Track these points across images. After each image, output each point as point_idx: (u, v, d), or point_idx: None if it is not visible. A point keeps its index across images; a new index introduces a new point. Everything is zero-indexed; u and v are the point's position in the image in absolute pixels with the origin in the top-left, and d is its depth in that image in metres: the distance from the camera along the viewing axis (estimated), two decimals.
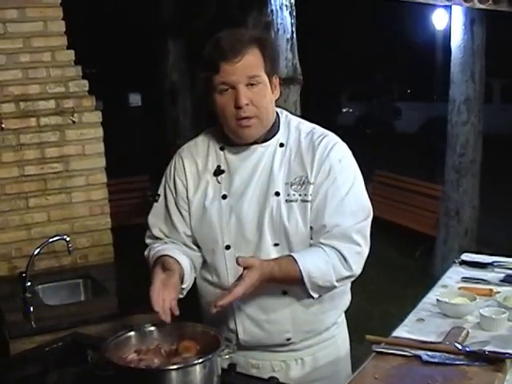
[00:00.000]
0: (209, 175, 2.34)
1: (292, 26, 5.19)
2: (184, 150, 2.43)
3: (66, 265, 4.35)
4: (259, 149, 2.30)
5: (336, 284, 2.21)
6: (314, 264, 2.16)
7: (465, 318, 2.40)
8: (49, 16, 4.30)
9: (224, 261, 2.30)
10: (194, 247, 2.38)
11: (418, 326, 2.37)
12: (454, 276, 2.89)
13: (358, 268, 2.23)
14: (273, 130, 2.33)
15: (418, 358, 2.04)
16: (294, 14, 5.20)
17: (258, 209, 2.25)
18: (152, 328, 2.10)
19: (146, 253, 2.42)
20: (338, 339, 2.50)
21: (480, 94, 7.38)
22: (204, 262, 2.39)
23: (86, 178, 4.38)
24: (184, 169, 2.36)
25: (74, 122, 4.31)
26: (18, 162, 4.20)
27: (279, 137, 2.33)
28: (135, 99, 12.61)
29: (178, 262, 2.22)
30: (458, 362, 2.01)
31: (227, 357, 1.99)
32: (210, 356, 1.88)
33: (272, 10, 5.11)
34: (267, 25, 5.11)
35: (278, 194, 2.24)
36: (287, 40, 5.17)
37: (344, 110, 21.74)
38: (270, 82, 2.26)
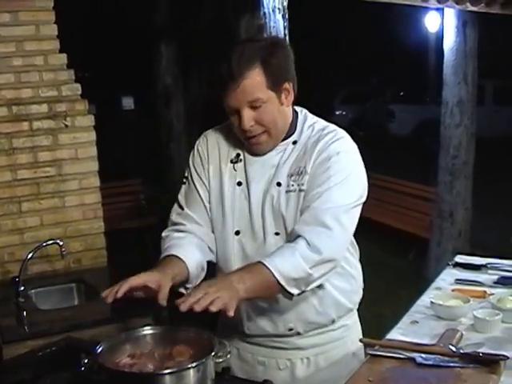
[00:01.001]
0: (228, 161, 2.41)
1: (285, 29, 5.19)
2: (209, 133, 2.51)
3: (59, 269, 4.33)
4: (277, 147, 2.37)
5: (310, 271, 2.12)
6: (281, 259, 2.11)
7: (459, 320, 2.40)
8: (41, 20, 4.28)
9: (232, 247, 2.36)
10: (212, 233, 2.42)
11: (412, 329, 2.37)
12: (447, 278, 2.89)
13: (327, 250, 2.15)
14: (290, 131, 2.38)
15: (412, 360, 2.04)
16: (287, 16, 5.19)
17: (262, 198, 2.32)
18: (145, 332, 2.10)
19: (163, 234, 2.46)
20: (348, 341, 2.50)
21: (473, 96, 7.41)
22: None
23: (79, 182, 4.37)
24: (207, 151, 2.45)
25: (66, 125, 4.30)
26: (11, 166, 4.17)
27: (295, 136, 2.38)
28: (128, 103, 12.58)
29: (183, 261, 2.24)
30: (452, 364, 2.00)
31: (221, 360, 1.99)
32: (204, 360, 1.87)
33: (265, 13, 5.10)
34: (260, 28, 5.11)
35: (279, 184, 2.31)
36: None
37: (337, 113, 21.76)
38: (279, 92, 2.29)
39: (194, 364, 1.86)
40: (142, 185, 9.46)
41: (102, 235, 4.50)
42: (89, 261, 4.44)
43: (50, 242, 3.82)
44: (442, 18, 7.65)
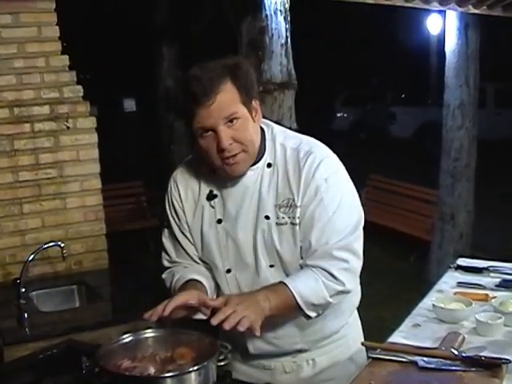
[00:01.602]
0: (203, 200, 2.33)
1: (286, 31, 5.20)
2: (178, 175, 2.41)
3: (61, 271, 4.33)
4: (248, 172, 2.26)
5: (330, 300, 2.20)
6: (304, 283, 2.16)
7: (461, 324, 2.39)
8: (43, 21, 4.29)
9: (227, 284, 2.34)
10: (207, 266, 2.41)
11: (413, 332, 2.37)
12: (449, 281, 2.88)
13: (348, 282, 2.21)
14: (260, 152, 2.27)
15: (415, 363, 2.03)
16: (289, 19, 5.20)
17: (252, 232, 2.26)
18: (147, 335, 2.09)
19: (164, 275, 2.45)
20: (350, 339, 2.49)
21: (474, 98, 7.40)
22: None
23: (81, 184, 4.37)
24: (180, 195, 2.37)
25: (68, 127, 4.30)
26: (12, 168, 4.18)
27: (266, 157, 2.28)
28: (130, 104, 12.58)
29: (203, 284, 2.28)
30: (454, 368, 2.00)
31: (223, 364, 1.98)
32: (206, 363, 1.87)
33: (266, 15, 5.11)
34: (261, 30, 5.11)
35: (268, 217, 2.24)
36: (281, 45, 5.17)
37: (338, 115, 21.76)
38: (250, 109, 2.20)
39: (195, 367, 1.85)
40: (144, 187, 9.45)
41: (104, 237, 4.50)
42: (90, 263, 4.43)
43: (51, 243, 3.81)
44: (444, 21, 7.65)
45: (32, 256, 3.75)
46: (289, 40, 5.18)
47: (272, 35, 5.11)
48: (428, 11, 8.65)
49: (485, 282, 2.81)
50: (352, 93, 22.09)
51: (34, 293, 3.99)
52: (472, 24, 7.21)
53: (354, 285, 2.26)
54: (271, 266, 2.27)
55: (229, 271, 2.31)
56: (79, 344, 2.53)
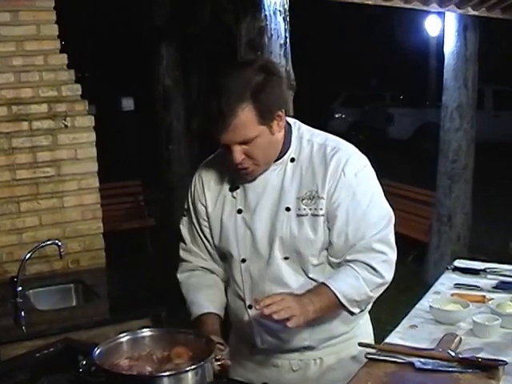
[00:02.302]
0: (225, 190, 2.41)
1: (285, 31, 5.18)
2: (203, 167, 2.51)
3: (58, 269, 4.32)
4: (271, 167, 2.33)
5: (371, 294, 2.28)
6: (345, 282, 2.23)
7: (458, 325, 2.40)
8: (42, 19, 4.28)
9: (240, 274, 2.38)
10: (220, 261, 2.49)
11: (410, 333, 2.37)
12: (446, 282, 2.89)
13: (388, 275, 2.30)
14: (284, 148, 2.33)
15: (411, 364, 2.04)
16: (288, 19, 5.19)
17: (270, 223, 2.31)
18: (144, 334, 2.09)
19: (179, 276, 2.52)
20: (360, 340, 2.44)
21: (473, 100, 7.40)
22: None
23: (78, 183, 4.36)
24: (203, 186, 2.45)
25: (66, 126, 4.29)
26: (10, 166, 4.17)
27: (290, 152, 2.34)
28: (128, 103, 12.55)
29: (219, 316, 2.38)
30: (450, 369, 2.00)
31: (219, 363, 1.98)
32: (202, 363, 1.87)
33: (266, 16, 5.10)
34: (260, 30, 5.10)
35: (288, 209, 2.29)
36: (280, 45, 5.16)
37: (337, 116, 21.77)
38: (271, 124, 2.23)
39: (192, 367, 1.85)
40: (142, 186, 9.45)
41: (101, 236, 4.49)
42: (87, 261, 4.43)
43: (49, 242, 3.81)
44: (443, 22, 7.66)
45: (29, 254, 3.74)
46: (288, 40, 5.17)
47: (271, 35, 5.10)
48: (427, 13, 8.65)
49: (482, 284, 2.81)
50: (351, 94, 22.10)
51: (30, 291, 3.98)
52: (471, 26, 7.22)
53: (391, 277, 2.32)
54: (286, 258, 2.30)
55: (244, 261, 2.36)
56: (76, 343, 2.53)
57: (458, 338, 2.23)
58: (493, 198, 10.79)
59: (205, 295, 2.43)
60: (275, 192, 2.32)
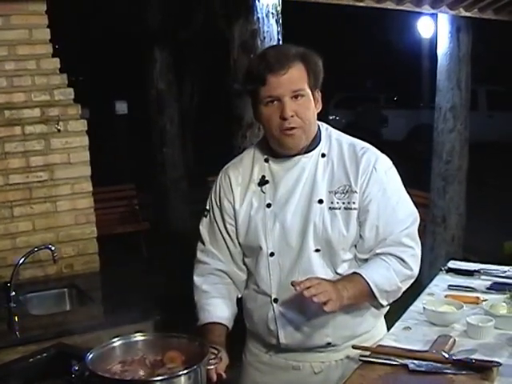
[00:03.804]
0: (254, 186, 2.44)
1: (278, 33, 5.19)
2: (230, 165, 2.54)
3: (51, 274, 4.31)
4: (302, 159, 2.39)
5: (401, 285, 2.32)
6: (377, 272, 2.28)
7: (451, 326, 2.40)
8: (34, 24, 4.27)
9: (267, 268, 2.39)
10: (239, 262, 2.50)
11: (404, 335, 2.37)
12: (440, 284, 2.90)
13: (416, 268, 2.36)
14: (315, 142, 2.41)
15: (405, 366, 2.04)
16: (281, 21, 5.19)
17: (302, 216, 2.34)
18: (137, 338, 2.08)
19: (195, 278, 2.52)
20: (377, 341, 2.46)
21: (466, 101, 7.41)
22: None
23: (72, 187, 4.35)
24: (230, 183, 2.47)
25: (59, 130, 4.28)
26: (3, 171, 4.15)
27: (321, 147, 2.42)
28: (122, 107, 12.50)
29: (226, 326, 2.40)
30: (444, 371, 2.00)
31: (212, 367, 1.98)
32: (195, 367, 1.86)
33: (258, 18, 5.10)
34: (253, 33, 5.10)
35: (321, 201, 2.33)
36: None
37: (331, 118, 21.77)
38: (313, 95, 2.35)
39: (185, 371, 1.85)
40: (136, 190, 9.43)
41: (95, 240, 4.48)
42: (81, 266, 4.41)
43: (42, 247, 3.80)
44: (436, 24, 7.66)
45: (23, 259, 3.73)
46: (281, 43, 5.17)
47: (264, 38, 5.10)
48: (420, 14, 8.63)
49: (476, 285, 2.82)
50: (344, 96, 22.10)
51: (24, 296, 3.96)
52: (463, 27, 7.22)
53: (418, 270, 2.38)
54: (317, 250, 2.33)
55: (272, 254, 2.37)
56: (69, 348, 2.52)
57: (451, 340, 2.23)
58: (487, 198, 10.80)
59: (216, 304, 2.44)
60: (307, 185, 2.36)
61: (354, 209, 2.32)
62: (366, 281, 2.24)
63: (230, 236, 2.47)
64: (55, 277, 4.31)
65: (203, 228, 2.54)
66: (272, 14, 5.12)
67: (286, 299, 2.35)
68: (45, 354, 2.44)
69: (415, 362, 2.05)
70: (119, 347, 2.05)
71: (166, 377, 1.86)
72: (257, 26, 5.08)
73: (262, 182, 2.42)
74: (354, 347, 2.24)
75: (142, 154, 11.07)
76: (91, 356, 1.95)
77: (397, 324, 2.48)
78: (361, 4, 5.90)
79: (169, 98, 9.95)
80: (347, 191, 2.33)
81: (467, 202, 7.66)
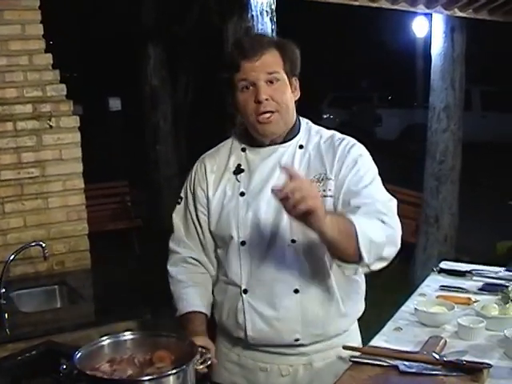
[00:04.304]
0: (229, 174, 2.42)
1: (272, 31, 5.17)
2: (207, 154, 2.53)
3: (42, 271, 4.28)
4: (279, 149, 2.38)
5: (385, 239, 2.15)
6: (363, 219, 2.12)
7: (443, 327, 2.39)
8: (27, 19, 4.24)
9: (238, 257, 2.35)
10: (210, 254, 2.47)
11: (395, 335, 2.36)
12: (432, 284, 2.89)
13: (396, 226, 2.24)
14: (293, 132, 2.40)
15: (396, 368, 2.03)
16: (275, 19, 5.18)
17: (276, 206, 2.25)
18: (126, 337, 2.06)
19: (169, 268, 2.51)
20: None
21: (460, 101, 7.42)
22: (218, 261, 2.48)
23: (63, 184, 4.32)
24: (205, 171, 2.46)
25: (51, 126, 4.25)
26: None
27: (299, 139, 2.40)
28: (115, 104, 12.47)
29: (205, 314, 2.40)
30: (435, 372, 1.99)
31: (201, 367, 1.96)
32: (184, 366, 1.85)
33: (252, 16, 5.08)
34: (247, 30, 5.09)
35: None
36: None
37: (325, 117, 21.77)
38: (290, 82, 2.34)
39: (174, 371, 1.83)
40: (128, 186, 9.41)
41: (86, 237, 4.45)
42: (72, 263, 4.39)
43: (33, 243, 3.79)
44: (430, 24, 7.66)
45: (13, 256, 3.72)
46: None
47: None
48: (414, 14, 8.64)
49: (467, 286, 2.81)
50: (338, 94, 22.13)
51: (14, 293, 3.94)
52: (458, 27, 7.23)
53: (399, 239, 2.25)
54: (293, 241, 2.28)
55: (243, 243, 2.33)
56: (58, 346, 2.51)
57: (442, 341, 2.22)
58: (480, 198, 10.81)
59: (193, 293, 2.42)
60: (282, 175, 2.24)
61: (330, 196, 2.28)
62: (351, 221, 2.08)
63: (201, 226, 2.44)
64: (46, 274, 4.28)
65: (176, 216, 2.52)
66: (266, 11, 5.11)
67: (255, 291, 2.31)
68: (34, 352, 2.42)
69: (406, 363, 2.04)
70: (108, 346, 2.03)
71: (154, 376, 1.84)
72: (251, 23, 5.07)
73: (238, 170, 2.40)
74: (344, 347, 2.23)
75: (135, 151, 11.07)
76: (80, 355, 1.94)
77: (388, 324, 2.48)
78: (355, 3, 5.89)
79: (163, 94, 9.94)
80: (322, 179, 2.29)
81: (460, 202, 7.67)
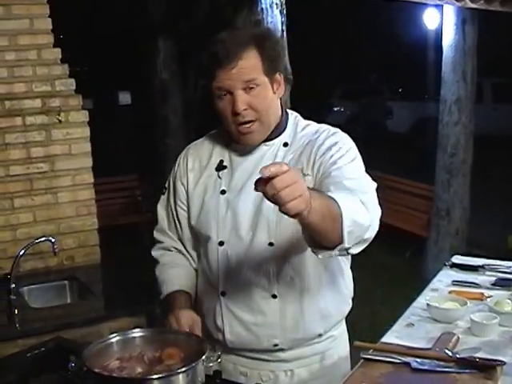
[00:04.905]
0: (211, 170, 2.34)
1: (282, 24, 5.14)
2: (192, 146, 2.46)
3: (52, 266, 4.29)
4: (263, 147, 2.28)
5: (369, 222, 1.99)
6: (345, 198, 1.92)
7: (455, 323, 2.36)
8: (35, 13, 4.23)
9: (216, 258, 2.28)
10: (189, 249, 2.43)
11: (407, 332, 2.33)
12: (444, 279, 2.85)
13: (374, 209, 2.08)
14: (278, 129, 2.29)
15: (407, 365, 2.00)
16: (285, 12, 5.15)
17: (255, 206, 2.21)
18: (135, 334, 2.04)
19: (153, 253, 2.51)
20: (334, 353, 2.41)
21: (471, 93, 7.37)
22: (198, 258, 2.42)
23: (73, 178, 4.32)
24: (186, 166, 2.38)
25: (60, 121, 4.25)
26: (3, 162, 4.13)
27: (284, 136, 2.30)
28: (125, 97, 12.49)
29: (189, 294, 2.34)
30: (447, 370, 1.96)
31: (211, 365, 1.94)
32: (194, 364, 1.83)
33: (262, 9, 5.05)
34: (257, 23, 5.06)
35: None
36: None
37: (335, 109, 21.72)
38: (272, 80, 2.21)
39: (183, 369, 1.81)
40: (138, 180, 9.41)
41: (96, 232, 4.45)
42: (82, 258, 4.39)
43: (43, 238, 3.78)
44: (442, 15, 7.61)
45: (23, 251, 3.71)
46: (285, 34, 5.13)
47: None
48: (425, 5, 8.59)
49: (480, 281, 2.78)
50: (349, 87, 22.05)
51: (24, 288, 3.95)
52: (469, 19, 7.18)
53: (377, 223, 2.08)
54: (270, 244, 2.20)
55: (221, 244, 2.26)
56: (67, 342, 2.50)
57: (455, 337, 2.19)
58: (491, 191, 10.76)
59: (178, 273, 2.38)
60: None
61: None
62: (335, 200, 1.87)
63: (180, 222, 2.40)
64: (56, 269, 4.29)
65: (160, 207, 2.49)
66: (276, 4, 5.08)
67: (233, 293, 2.26)
68: (42, 349, 2.41)
69: (418, 360, 2.01)
70: (117, 343, 2.01)
71: (164, 374, 1.82)
72: (260, 16, 5.03)
73: (220, 167, 2.32)
74: (356, 344, 2.19)
75: (144, 145, 11.06)
76: (88, 352, 1.92)
77: (400, 320, 2.44)
78: None
79: (172, 88, 9.91)
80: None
81: (472, 196, 7.64)
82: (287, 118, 2.33)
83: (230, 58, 2.11)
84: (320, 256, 1.97)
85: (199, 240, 2.36)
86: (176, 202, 2.40)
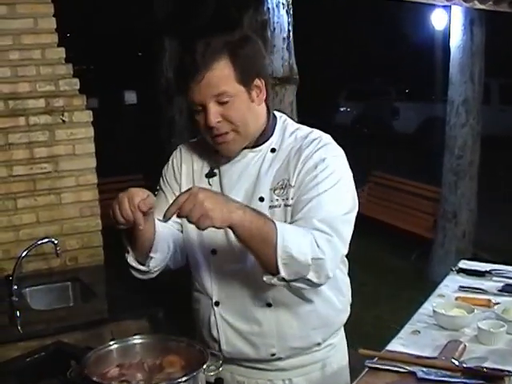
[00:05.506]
0: (202, 177, 2.27)
1: (289, 24, 5.11)
2: (185, 146, 2.38)
3: (55, 267, 4.26)
4: (249, 154, 2.21)
5: (310, 262, 1.93)
6: (292, 230, 1.96)
7: (462, 331, 2.32)
8: (39, 12, 4.21)
9: (209, 267, 2.24)
10: (178, 256, 2.32)
11: (413, 339, 2.29)
12: (451, 284, 2.82)
13: (329, 255, 1.97)
14: (265, 135, 2.22)
15: (413, 374, 1.96)
16: (291, 12, 5.12)
17: None
18: (135, 341, 2.00)
19: None
20: (333, 361, 2.37)
21: (479, 95, 7.33)
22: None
23: (76, 179, 4.30)
24: (180, 167, 2.32)
25: (64, 121, 4.22)
26: (7, 162, 4.10)
27: (271, 142, 2.22)
28: (131, 97, 12.47)
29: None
30: (454, 380, 1.92)
31: (212, 374, 1.90)
32: (195, 373, 1.78)
33: (268, 9, 5.03)
34: (263, 23, 5.03)
35: (262, 199, 2.14)
36: (284, 39, 5.09)
37: (341, 109, 21.67)
38: (249, 88, 2.12)
39: (184, 378, 1.77)
40: (144, 180, 9.38)
41: (99, 233, 4.42)
42: (85, 259, 4.36)
43: (46, 240, 3.76)
44: (449, 16, 7.57)
45: (26, 252, 3.69)
46: (291, 34, 5.10)
47: (274, 29, 5.02)
48: (433, 6, 8.54)
49: (487, 287, 2.74)
50: (356, 87, 22.00)
51: (27, 289, 3.93)
52: (477, 20, 7.14)
53: (332, 261, 2.00)
54: None
55: (214, 252, 2.21)
56: (67, 347, 2.46)
57: (461, 346, 2.15)
58: (498, 194, 10.70)
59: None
60: (250, 181, 2.17)
61: (290, 206, 2.10)
62: (275, 226, 1.90)
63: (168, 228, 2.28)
64: (59, 270, 4.26)
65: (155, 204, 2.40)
66: (282, 4, 5.05)
67: (227, 303, 2.22)
68: (43, 353, 2.38)
69: (424, 369, 1.97)
70: (117, 350, 1.96)
71: (164, 383, 1.79)
72: (267, 16, 5.01)
73: (210, 173, 2.25)
74: (361, 352, 2.15)
75: (150, 145, 11.06)
76: (88, 359, 1.88)
77: (405, 327, 2.40)
78: None
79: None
80: (285, 186, 2.11)
81: (479, 198, 7.59)
82: (275, 123, 2.26)
83: (198, 70, 2.03)
84: (264, 279, 1.99)
85: (189, 250, 2.29)
86: (171, 197, 2.26)
